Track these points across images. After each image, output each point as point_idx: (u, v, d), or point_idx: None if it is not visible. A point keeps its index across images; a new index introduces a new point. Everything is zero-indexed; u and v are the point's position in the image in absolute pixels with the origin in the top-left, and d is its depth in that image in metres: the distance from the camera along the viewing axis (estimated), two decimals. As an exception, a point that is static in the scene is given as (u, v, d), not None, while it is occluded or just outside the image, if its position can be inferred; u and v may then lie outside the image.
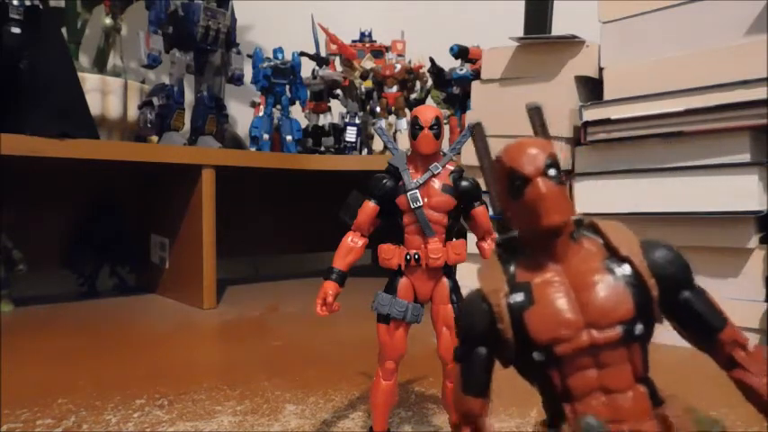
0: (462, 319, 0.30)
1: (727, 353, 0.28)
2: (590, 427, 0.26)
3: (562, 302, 0.27)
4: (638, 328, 0.27)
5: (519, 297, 0.28)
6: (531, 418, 0.61)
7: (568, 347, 0.27)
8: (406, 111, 1.52)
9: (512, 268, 0.29)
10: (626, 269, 0.27)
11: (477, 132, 0.33)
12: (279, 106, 1.45)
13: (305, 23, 1.61)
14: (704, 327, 0.28)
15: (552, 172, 0.27)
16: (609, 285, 0.27)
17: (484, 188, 0.32)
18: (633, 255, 0.27)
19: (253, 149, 1.42)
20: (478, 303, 0.28)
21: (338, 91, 1.58)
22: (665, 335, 0.29)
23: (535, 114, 0.32)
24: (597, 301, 0.27)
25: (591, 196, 0.97)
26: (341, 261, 0.49)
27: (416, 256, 0.48)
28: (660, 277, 0.27)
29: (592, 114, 0.96)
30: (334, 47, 1.61)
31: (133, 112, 1.32)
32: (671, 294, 0.27)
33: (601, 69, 1.00)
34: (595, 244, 0.28)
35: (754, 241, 0.84)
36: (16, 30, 1.01)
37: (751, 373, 0.27)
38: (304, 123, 1.53)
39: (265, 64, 1.41)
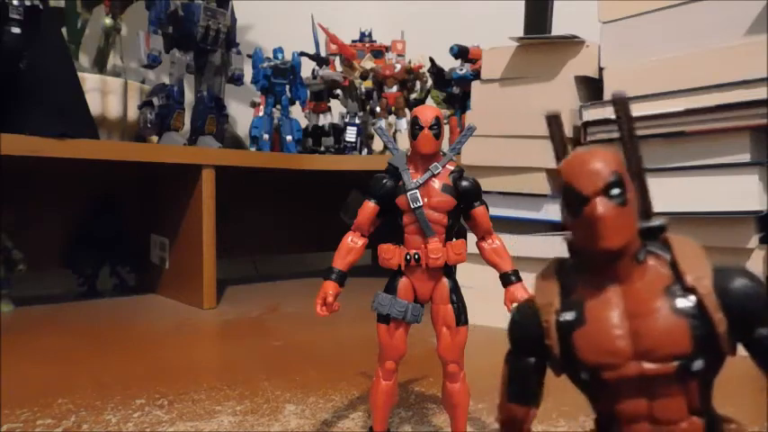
0: (513, 326, 0.29)
1: None
2: None
3: (613, 328, 0.25)
4: (697, 364, 0.25)
5: (570, 315, 0.26)
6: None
7: (615, 375, 0.25)
8: (406, 111, 1.52)
9: (569, 281, 0.27)
10: (690, 299, 0.25)
11: (554, 123, 0.30)
12: (279, 106, 1.45)
13: (305, 23, 1.61)
14: None
15: (615, 191, 0.25)
16: (667, 316, 0.25)
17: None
18: (700, 284, 0.25)
19: (253, 149, 1.42)
20: (530, 314, 0.28)
21: (338, 91, 1.58)
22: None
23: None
24: (651, 331, 0.25)
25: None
26: (341, 261, 0.49)
27: (416, 256, 0.48)
28: (732, 311, 0.25)
29: (592, 114, 0.96)
30: (334, 47, 1.61)
31: (133, 112, 1.32)
32: (745, 329, 0.25)
33: (601, 69, 1.00)
34: (664, 265, 0.26)
35: (754, 241, 0.84)
36: (16, 30, 1.01)
37: None
38: (304, 123, 1.53)
39: (265, 64, 1.41)
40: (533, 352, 0.28)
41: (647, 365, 0.25)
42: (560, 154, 0.30)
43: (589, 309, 0.26)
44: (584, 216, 0.25)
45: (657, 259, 0.26)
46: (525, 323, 0.28)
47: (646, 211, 0.28)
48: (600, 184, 0.25)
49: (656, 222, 0.28)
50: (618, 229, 0.25)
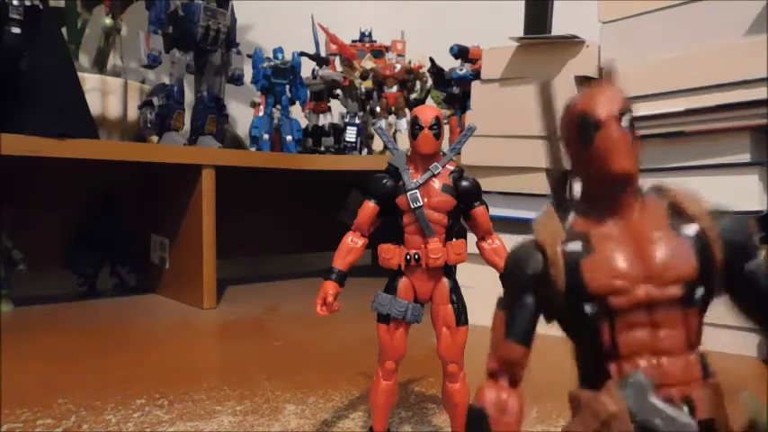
0: (511, 265, 0.29)
1: None
2: (637, 384, 0.24)
3: (622, 253, 0.26)
4: (699, 291, 0.26)
5: (576, 246, 0.27)
6: (530, 417, 0.61)
7: (624, 300, 0.26)
8: (406, 111, 1.52)
9: (570, 219, 0.28)
10: (692, 229, 0.26)
11: (544, 90, 0.30)
12: (279, 106, 1.45)
13: (305, 23, 1.60)
14: (764, 302, 0.26)
15: (626, 119, 0.26)
16: (673, 241, 0.26)
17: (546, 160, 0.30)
18: (701, 216, 0.26)
19: (253, 149, 1.42)
20: (531, 250, 0.28)
21: (338, 91, 1.58)
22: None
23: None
24: (660, 255, 0.26)
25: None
26: (341, 261, 0.49)
27: (416, 256, 0.48)
28: (726, 244, 0.26)
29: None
30: (334, 47, 1.61)
31: (133, 112, 1.32)
32: (735, 263, 0.26)
33: (601, 69, 1.00)
34: (661, 204, 0.28)
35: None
36: (16, 30, 1.01)
37: None
38: (304, 123, 1.53)
39: (265, 64, 1.41)
40: (534, 288, 0.28)
41: (655, 290, 0.25)
42: (550, 124, 0.30)
43: (595, 239, 0.27)
44: (599, 140, 0.26)
45: (655, 200, 0.28)
46: (527, 258, 0.28)
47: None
48: (616, 108, 0.26)
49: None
50: (629, 153, 0.26)
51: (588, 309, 0.26)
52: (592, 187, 0.28)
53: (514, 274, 0.28)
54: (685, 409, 0.25)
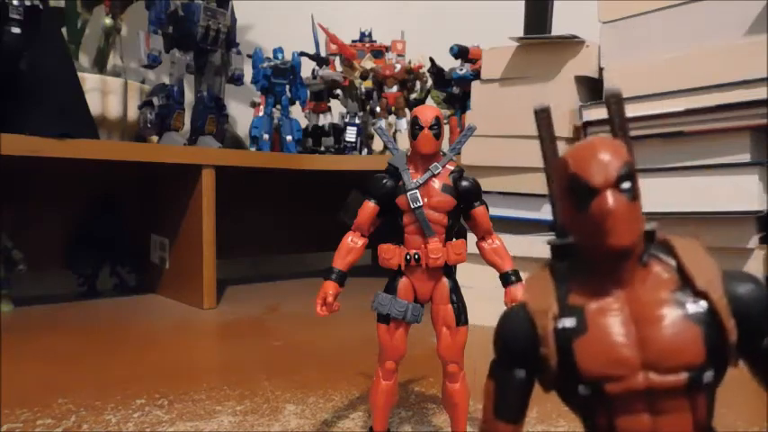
0: (501, 335, 0.26)
1: None
2: None
3: (619, 335, 0.23)
4: (708, 375, 0.23)
5: (569, 322, 0.24)
6: (530, 417, 0.61)
7: (620, 387, 0.23)
8: (406, 111, 1.52)
9: (564, 286, 0.25)
10: (701, 305, 0.23)
11: (542, 119, 0.28)
12: (279, 106, 1.45)
13: (305, 23, 1.60)
14: None
15: (626, 185, 0.23)
16: (678, 323, 0.23)
17: (547, 190, 0.28)
18: (712, 289, 0.23)
19: (253, 149, 1.42)
20: (522, 322, 0.25)
21: (338, 91, 1.58)
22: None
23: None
24: (661, 339, 0.23)
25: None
26: (341, 261, 0.49)
27: (416, 256, 0.48)
28: (741, 318, 0.23)
29: (592, 114, 0.97)
30: (334, 47, 1.61)
31: (133, 112, 1.32)
32: (753, 338, 0.23)
33: (601, 69, 1.00)
34: (668, 269, 0.24)
35: (754, 241, 0.84)
36: (16, 30, 1.01)
37: None
38: (304, 123, 1.53)
39: (265, 64, 1.41)
40: (523, 363, 0.25)
41: (656, 377, 0.23)
42: (549, 152, 0.28)
43: (590, 315, 0.24)
44: (593, 210, 0.23)
45: (661, 263, 0.25)
46: (516, 330, 0.25)
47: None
48: (612, 175, 0.23)
49: (646, 226, 0.26)
50: (628, 224, 0.23)
51: (582, 390, 0.24)
52: (588, 255, 0.25)
53: (505, 346, 0.26)
54: None
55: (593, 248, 0.24)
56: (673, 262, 0.24)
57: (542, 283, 0.26)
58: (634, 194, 0.23)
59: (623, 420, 0.24)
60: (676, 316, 0.23)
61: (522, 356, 0.25)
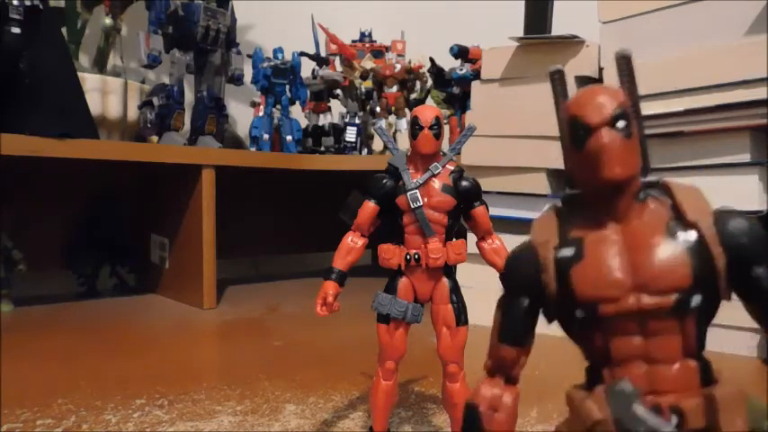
0: (508, 266, 0.29)
1: None
2: (622, 392, 0.24)
3: (612, 261, 0.25)
4: (695, 299, 0.24)
5: (568, 251, 0.26)
6: (530, 417, 0.61)
7: (612, 309, 0.25)
8: (406, 111, 1.52)
9: (567, 222, 0.27)
10: (691, 234, 0.25)
11: (556, 79, 0.30)
12: (279, 106, 1.45)
13: (305, 23, 1.60)
14: None
15: (620, 124, 0.25)
16: (667, 248, 0.25)
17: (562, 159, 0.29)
18: (701, 220, 0.25)
19: (253, 149, 1.42)
20: (526, 252, 0.28)
21: (338, 91, 1.58)
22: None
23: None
24: (651, 263, 0.25)
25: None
26: (341, 261, 0.49)
27: (416, 256, 0.48)
28: (730, 248, 0.25)
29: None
30: (334, 47, 1.61)
31: (133, 112, 1.32)
32: (741, 268, 0.25)
33: (601, 69, 1.00)
34: (664, 205, 0.26)
35: (754, 241, 0.84)
36: (16, 30, 1.01)
37: None
38: (304, 123, 1.53)
39: (265, 64, 1.41)
40: (528, 292, 0.27)
41: (646, 299, 0.25)
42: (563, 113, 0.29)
43: (588, 244, 0.26)
44: (589, 146, 0.25)
45: (658, 200, 0.27)
46: (522, 261, 0.28)
47: (644, 167, 0.28)
48: (606, 114, 0.25)
49: (653, 179, 0.28)
50: (622, 160, 0.25)
51: (579, 314, 0.26)
52: (587, 191, 0.27)
53: (511, 276, 0.29)
54: (674, 418, 0.24)
55: (591, 184, 0.26)
56: (669, 201, 0.27)
57: (547, 221, 0.28)
58: (629, 133, 0.25)
59: (617, 341, 0.25)
60: (667, 243, 0.25)
61: (526, 284, 0.27)
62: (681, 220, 0.26)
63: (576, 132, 0.26)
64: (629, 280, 0.25)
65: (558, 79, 0.30)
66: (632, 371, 0.25)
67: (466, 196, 0.48)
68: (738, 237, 0.25)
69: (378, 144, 1.61)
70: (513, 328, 0.28)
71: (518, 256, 0.28)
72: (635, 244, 0.25)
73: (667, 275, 0.25)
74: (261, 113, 1.44)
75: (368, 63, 1.56)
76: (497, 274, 0.49)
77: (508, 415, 0.28)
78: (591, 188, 0.27)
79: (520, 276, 0.28)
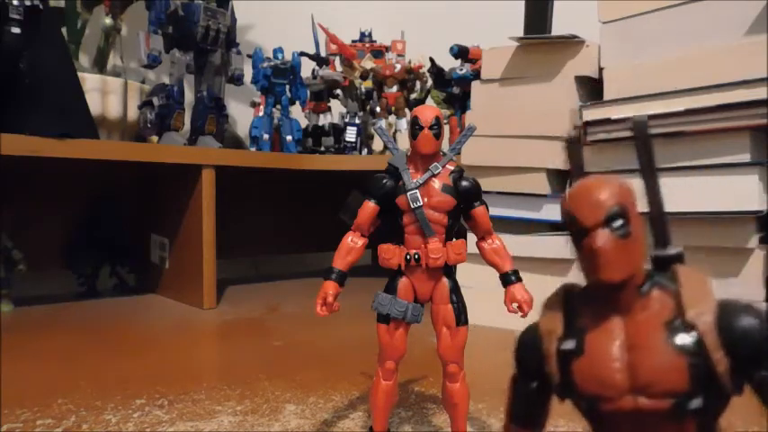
0: (517, 349, 0.29)
1: None
2: None
3: (610, 359, 0.25)
4: (694, 402, 0.24)
5: (570, 344, 0.26)
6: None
7: (611, 407, 0.25)
8: (406, 111, 1.52)
9: (575, 308, 0.27)
10: (691, 335, 0.24)
11: (573, 147, 0.30)
12: (279, 106, 1.45)
13: (305, 23, 1.60)
14: None
15: (617, 223, 0.24)
16: (664, 351, 0.24)
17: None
18: (700, 321, 0.24)
19: (253, 149, 1.42)
20: (532, 340, 0.28)
21: (338, 91, 1.58)
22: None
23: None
24: (648, 366, 0.24)
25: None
26: (341, 261, 0.49)
27: (416, 256, 0.48)
28: (734, 349, 0.23)
29: (592, 114, 0.96)
30: (334, 47, 1.61)
31: (133, 112, 1.32)
32: (747, 370, 0.24)
33: (601, 69, 1.00)
34: (669, 297, 0.26)
35: (754, 241, 0.84)
36: (16, 30, 1.01)
37: None
38: (304, 123, 1.53)
39: (265, 64, 1.41)
40: (538, 376, 0.28)
41: (642, 400, 0.24)
42: (577, 179, 0.29)
43: (589, 339, 0.26)
44: (584, 247, 0.25)
45: (663, 291, 0.26)
46: (530, 347, 0.28)
47: (664, 238, 0.28)
48: (600, 216, 0.25)
49: (672, 251, 0.27)
50: (618, 261, 0.25)
51: (583, 405, 0.26)
52: (591, 283, 0.27)
53: (519, 360, 0.29)
54: None
55: (590, 279, 0.26)
56: (672, 296, 0.26)
57: (555, 305, 0.28)
58: (626, 232, 0.25)
59: None
60: (664, 344, 0.24)
61: (534, 371, 0.28)
62: (682, 317, 0.25)
63: (572, 230, 0.26)
64: (626, 381, 0.25)
65: (573, 146, 0.30)
66: None
67: (466, 196, 0.48)
68: (741, 339, 0.24)
69: (378, 144, 1.61)
70: (524, 410, 0.29)
71: (525, 342, 0.28)
72: (634, 342, 0.25)
73: (663, 380, 0.24)
74: (261, 113, 1.44)
75: (368, 63, 1.56)
76: (497, 274, 0.50)
77: None
78: (592, 283, 0.26)
79: (526, 362, 0.28)
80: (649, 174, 0.28)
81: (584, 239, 0.25)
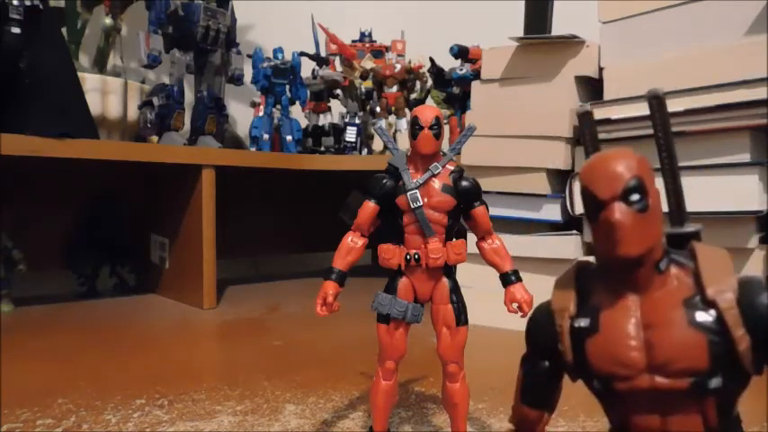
0: (528, 328, 0.28)
1: None
2: None
3: (627, 337, 0.24)
4: (714, 381, 0.23)
5: (584, 322, 0.26)
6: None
7: (627, 386, 0.24)
8: (406, 111, 1.52)
9: (588, 285, 0.26)
10: (710, 314, 0.23)
11: (585, 120, 0.29)
12: (279, 106, 1.45)
13: (305, 23, 1.60)
14: None
15: (634, 197, 0.24)
16: (683, 329, 0.23)
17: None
18: (721, 298, 0.23)
19: (253, 149, 1.42)
20: (544, 318, 0.27)
21: (338, 91, 1.58)
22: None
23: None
24: (666, 344, 0.24)
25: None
26: (341, 261, 0.49)
27: (416, 256, 0.48)
28: (756, 327, 0.23)
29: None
30: (334, 47, 1.61)
31: (133, 112, 1.32)
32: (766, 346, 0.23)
33: (601, 69, 1.00)
34: (687, 275, 0.25)
35: (754, 241, 0.84)
36: (16, 30, 1.01)
37: None
38: (304, 123, 1.53)
39: (265, 64, 1.41)
40: (549, 355, 0.27)
41: (660, 379, 0.24)
42: (591, 153, 0.29)
43: (604, 316, 0.25)
44: (601, 222, 0.24)
45: (681, 269, 0.25)
46: (541, 326, 0.27)
47: (680, 215, 0.27)
48: (618, 188, 0.24)
49: (689, 228, 0.26)
50: (636, 236, 0.24)
51: (596, 384, 0.26)
52: (605, 261, 0.26)
53: (530, 339, 0.28)
54: None
55: (605, 256, 0.25)
56: (690, 272, 0.25)
57: (567, 283, 0.27)
58: (644, 206, 0.24)
59: (635, 416, 0.25)
60: (683, 323, 0.23)
61: (545, 350, 0.27)
62: (701, 295, 0.24)
63: (588, 203, 0.25)
64: (644, 359, 0.24)
65: (585, 118, 0.29)
66: None
67: (466, 196, 0.48)
68: (763, 319, 0.23)
69: (378, 144, 1.61)
70: (534, 390, 0.29)
71: (537, 320, 0.28)
72: (651, 320, 0.24)
73: (682, 358, 0.23)
74: (261, 113, 1.44)
75: (368, 63, 1.56)
76: (497, 274, 0.50)
77: None
78: (606, 259, 0.26)
79: (538, 341, 0.28)
80: (666, 151, 0.27)
81: (601, 213, 0.24)
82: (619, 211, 0.24)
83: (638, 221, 0.24)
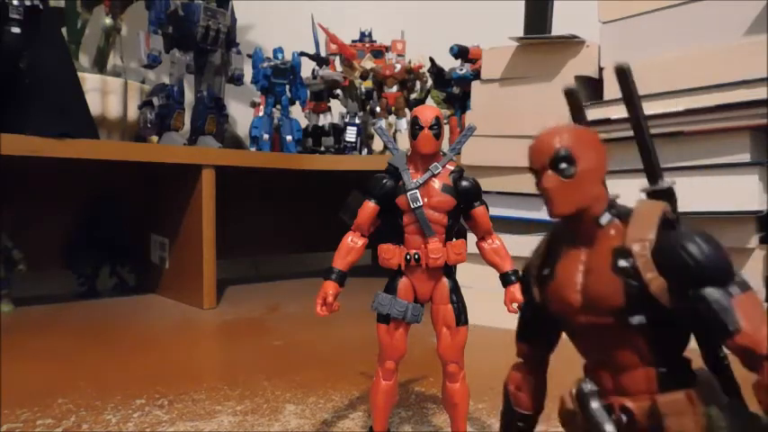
0: (521, 275, 0.33)
1: (742, 360, 0.25)
2: (581, 390, 0.29)
3: (570, 282, 0.29)
4: (636, 318, 0.27)
5: (546, 271, 0.31)
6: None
7: (573, 322, 0.29)
8: (406, 111, 1.52)
9: (555, 243, 0.31)
10: (628, 261, 0.27)
11: (572, 97, 0.34)
12: (279, 106, 1.45)
13: (305, 23, 1.60)
14: (709, 332, 0.25)
15: (562, 165, 0.28)
16: (605, 273, 0.28)
17: None
18: (635, 246, 0.27)
19: (253, 149, 1.42)
20: (527, 268, 0.32)
21: (338, 91, 1.58)
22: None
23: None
24: (592, 287, 0.28)
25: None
26: (341, 261, 0.49)
27: (416, 256, 0.48)
28: (666, 270, 0.26)
29: (592, 114, 0.96)
30: (334, 47, 1.61)
31: (133, 112, 1.32)
32: (680, 290, 0.26)
33: (601, 69, 1.00)
34: (623, 228, 0.28)
35: (754, 241, 0.84)
36: (16, 30, 1.01)
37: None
38: (304, 123, 1.53)
39: (265, 64, 1.41)
40: (531, 300, 0.32)
41: (591, 317, 0.28)
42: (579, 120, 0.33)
43: (559, 266, 0.30)
44: (537, 187, 0.29)
45: (621, 222, 0.29)
46: (524, 274, 0.33)
47: (653, 174, 0.31)
48: (545, 159, 0.28)
49: (662, 185, 0.30)
50: (564, 199, 0.28)
51: (562, 324, 0.31)
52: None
53: (523, 281, 0.33)
54: (623, 417, 0.27)
55: (549, 215, 0.29)
56: (623, 228, 0.29)
57: (541, 242, 0.32)
58: (571, 173, 0.28)
59: (587, 350, 0.30)
60: (607, 268, 0.28)
61: (529, 294, 0.32)
62: (624, 245, 0.28)
63: (532, 173, 0.29)
64: (580, 300, 0.28)
65: (572, 96, 0.33)
66: (602, 374, 0.29)
67: (466, 196, 0.48)
68: (669, 260, 0.26)
69: (378, 144, 1.61)
70: (526, 327, 0.34)
71: (525, 269, 0.33)
72: (589, 267, 0.29)
73: (602, 298, 0.28)
74: (261, 113, 1.44)
75: (368, 63, 1.56)
76: (497, 274, 0.50)
77: (531, 395, 0.34)
78: (550, 217, 0.30)
79: (524, 287, 0.33)
80: (634, 118, 0.32)
81: (537, 180, 0.29)
82: (546, 179, 0.28)
83: (564, 186, 0.28)
